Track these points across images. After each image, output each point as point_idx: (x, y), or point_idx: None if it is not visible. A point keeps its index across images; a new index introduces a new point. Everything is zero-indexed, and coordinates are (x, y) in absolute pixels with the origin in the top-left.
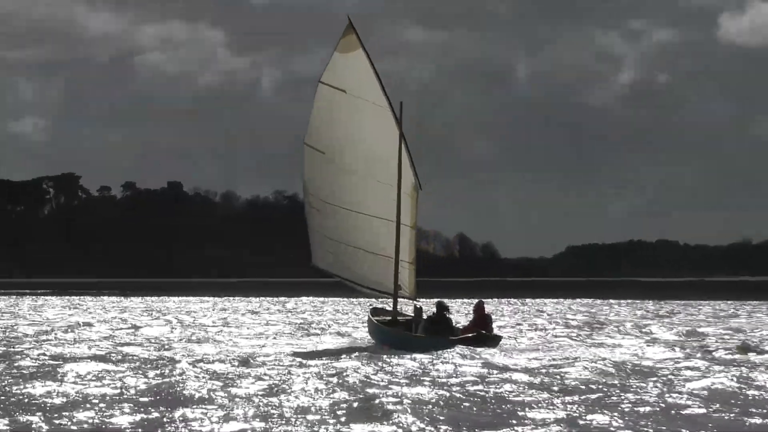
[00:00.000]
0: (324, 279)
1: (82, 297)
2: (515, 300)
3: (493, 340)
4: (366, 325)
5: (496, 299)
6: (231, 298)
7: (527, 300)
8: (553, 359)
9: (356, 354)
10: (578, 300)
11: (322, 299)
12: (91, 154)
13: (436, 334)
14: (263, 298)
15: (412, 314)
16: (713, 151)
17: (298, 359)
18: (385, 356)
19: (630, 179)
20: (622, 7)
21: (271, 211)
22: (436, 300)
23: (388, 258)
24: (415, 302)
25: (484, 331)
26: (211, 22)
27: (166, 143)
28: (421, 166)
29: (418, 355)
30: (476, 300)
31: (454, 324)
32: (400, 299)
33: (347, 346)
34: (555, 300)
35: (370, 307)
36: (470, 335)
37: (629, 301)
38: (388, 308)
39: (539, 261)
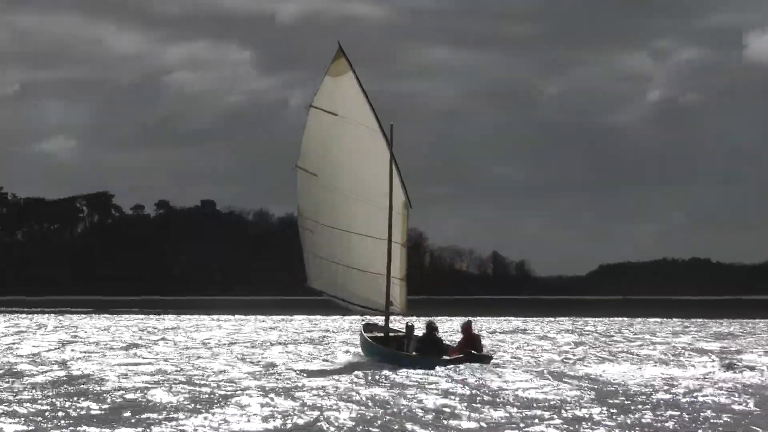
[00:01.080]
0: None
1: (112, 315)
2: (550, 318)
3: (483, 359)
4: (359, 339)
5: (530, 318)
6: (245, 316)
7: (560, 318)
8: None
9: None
10: (616, 318)
11: (338, 317)
12: (121, 173)
13: (428, 353)
14: (280, 316)
15: (404, 331)
16: (742, 168)
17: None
18: (382, 373)
19: (659, 198)
20: (647, 27)
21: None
22: (426, 320)
23: (380, 275)
24: (407, 321)
25: (473, 351)
26: (239, 42)
27: (194, 162)
28: (447, 186)
29: (411, 372)
30: (465, 319)
31: (444, 343)
32: (392, 316)
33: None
34: (593, 318)
35: (363, 322)
36: (461, 355)
37: (663, 319)
38: (381, 324)
39: (572, 279)
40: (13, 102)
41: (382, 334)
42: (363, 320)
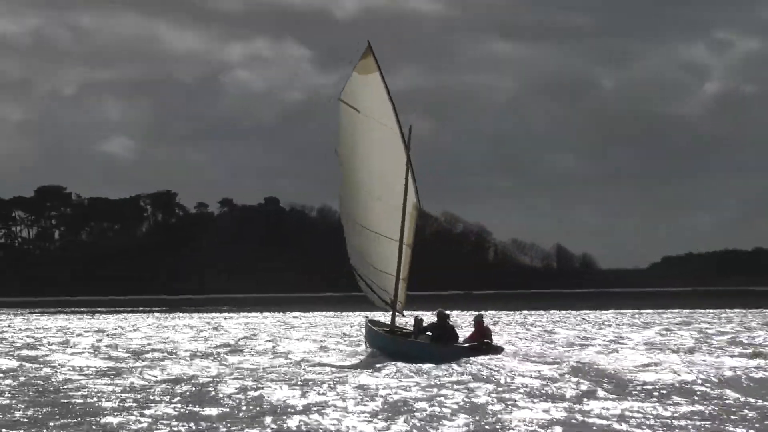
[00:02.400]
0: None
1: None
2: (613, 311)
3: (496, 350)
4: (364, 332)
5: (599, 311)
6: (283, 313)
7: (626, 311)
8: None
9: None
10: (679, 310)
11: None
12: (183, 172)
13: (441, 340)
14: (320, 313)
15: (412, 327)
16: None
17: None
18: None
19: (717, 189)
20: (706, 18)
21: None
22: (436, 311)
23: (389, 275)
24: (416, 315)
25: (487, 341)
26: (297, 38)
27: (254, 160)
28: (507, 179)
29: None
30: (476, 313)
31: (456, 334)
32: (395, 312)
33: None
34: (658, 311)
35: (367, 318)
36: (475, 344)
37: (736, 310)
38: (383, 320)
39: (635, 272)
40: (72, 102)
41: (387, 330)
42: (365, 317)
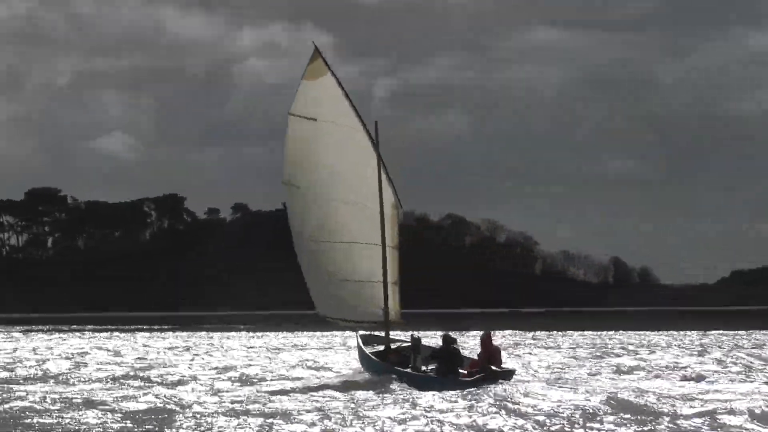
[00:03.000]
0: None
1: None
2: (677, 332)
3: (505, 375)
4: (357, 352)
5: (662, 331)
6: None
7: (690, 332)
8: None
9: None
10: (750, 332)
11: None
12: (191, 173)
13: (445, 370)
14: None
15: (409, 342)
16: None
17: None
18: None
19: None
20: None
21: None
22: (442, 333)
23: (377, 283)
24: (412, 333)
25: (493, 367)
26: (317, 24)
27: (271, 160)
28: (555, 184)
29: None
30: (482, 332)
31: (461, 357)
32: (392, 325)
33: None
34: (726, 332)
35: (358, 335)
36: (481, 375)
37: None
38: (377, 334)
39: (701, 287)
40: (67, 95)
41: (382, 347)
42: (357, 331)
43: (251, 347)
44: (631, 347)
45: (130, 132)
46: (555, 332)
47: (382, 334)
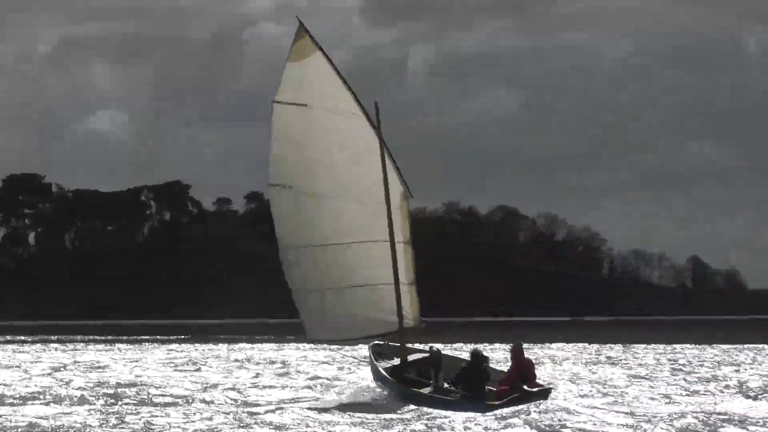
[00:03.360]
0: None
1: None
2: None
3: (540, 395)
4: (370, 367)
5: (750, 344)
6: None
7: None
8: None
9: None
10: None
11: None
12: (195, 156)
13: (470, 388)
14: None
15: (428, 353)
16: None
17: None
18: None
19: None
20: None
21: (446, 225)
22: (471, 348)
23: (387, 285)
24: (431, 346)
25: (525, 387)
26: None
27: None
28: (625, 171)
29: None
30: (511, 344)
31: (489, 376)
32: (408, 333)
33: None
34: None
35: (370, 346)
36: (512, 396)
37: None
38: (392, 343)
39: None
40: (47, 65)
41: (397, 360)
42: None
43: (257, 362)
44: (712, 362)
45: (123, 109)
46: (623, 345)
47: (398, 343)
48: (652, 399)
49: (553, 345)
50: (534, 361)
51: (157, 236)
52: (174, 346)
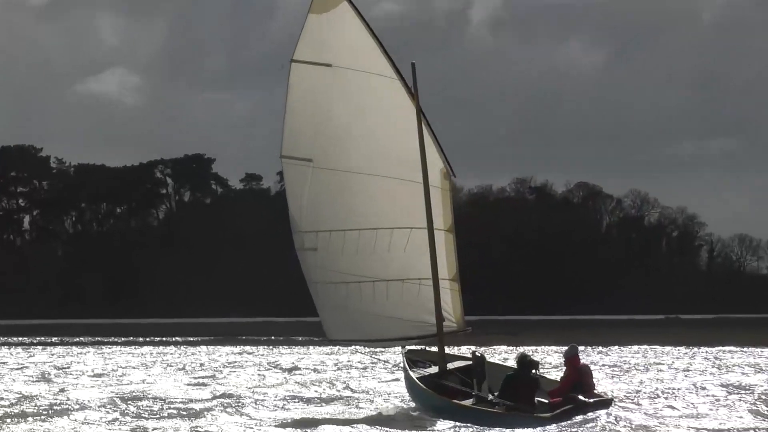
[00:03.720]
0: None
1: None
2: None
3: (600, 406)
4: (403, 375)
5: None
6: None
7: None
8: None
9: None
10: None
11: None
12: (219, 124)
13: (517, 399)
14: None
15: (470, 360)
16: None
17: None
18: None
19: None
20: None
21: (514, 202)
22: (518, 353)
23: (421, 281)
24: (475, 351)
25: (581, 396)
26: None
27: None
28: (728, 139)
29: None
30: (567, 346)
31: (539, 386)
32: (449, 336)
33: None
34: None
35: (404, 350)
36: (567, 407)
37: None
38: (431, 350)
39: None
40: (42, 16)
41: (435, 368)
42: (403, 347)
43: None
44: None
45: (133, 69)
46: (727, 348)
47: (435, 348)
48: (732, 410)
49: (642, 347)
50: (592, 368)
51: (175, 221)
52: (199, 348)
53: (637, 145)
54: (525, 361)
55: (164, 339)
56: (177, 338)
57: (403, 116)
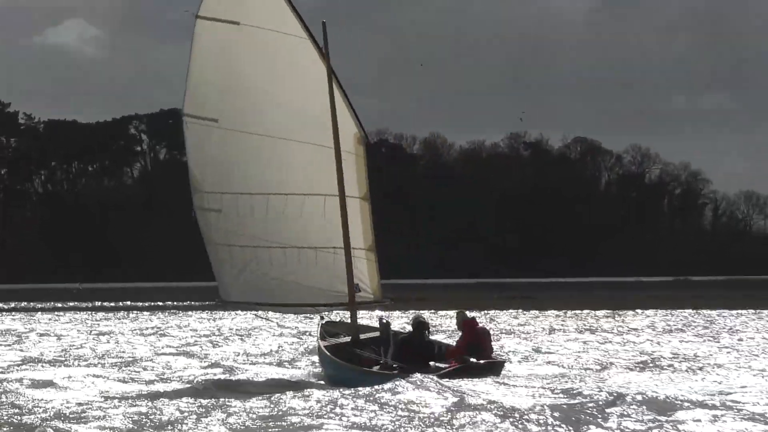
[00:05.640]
0: None
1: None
2: None
3: (493, 368)
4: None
5: None
6: None
7: None
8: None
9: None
10: None
11: None
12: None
13: (410, 362)
14: None
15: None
16: None
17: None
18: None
19: None
20: None
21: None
22: (413, 314)
23: (336, 250)
24: (380, 316)
25: (473, 359)
26: None
27: None
28: (730, 94)
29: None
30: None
31: (437, 348)
32: (362, 306)
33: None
34: None
35: (322, 321)
36: (459, 365)
37: None
38: (347, 321)
39: None
40: None
41: (348, 338)
42: (321, 317)
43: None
44: None
45: (90, 19)
46: (739, 311)
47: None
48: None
49: (648, 311)
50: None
51: (151, 181)
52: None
53: (636, 95)
54: (416, 323)
55: (156, 304)
56: (169, 302)
57: (312, 75)
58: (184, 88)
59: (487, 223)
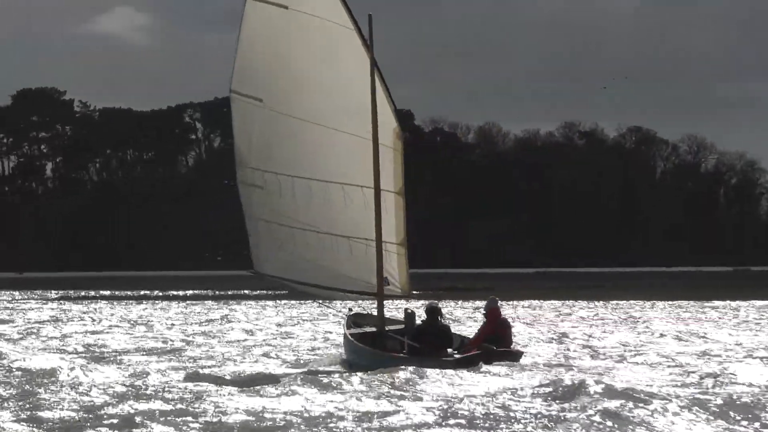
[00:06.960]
0: None
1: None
2: None
3: (510, 356)
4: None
5: None
6: None
7: None
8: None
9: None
10: None
11: None
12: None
13: (425, 349)
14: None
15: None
16: None
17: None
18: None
19: None
20: None
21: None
22: (427, 303)
23: (368, 242)
24: (406, 308)
25: (494, 347)
26: None
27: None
28: None
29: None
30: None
31: (453, 334)
32: (390, 300)
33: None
34: None
35: (349, 312)
36: (476, 352)
37: None
38: (375, 313)
39: None
40: None
41: (374, 329)
42: (349, 309)
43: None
44: None
45: (144, 6)
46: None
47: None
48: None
49: (713, 302)
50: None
51: (206, 169)
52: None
53: (690, 84)
54: (429, 309)
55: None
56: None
57: (359, 70)
58: (232, 65)
59: (543, 215)
